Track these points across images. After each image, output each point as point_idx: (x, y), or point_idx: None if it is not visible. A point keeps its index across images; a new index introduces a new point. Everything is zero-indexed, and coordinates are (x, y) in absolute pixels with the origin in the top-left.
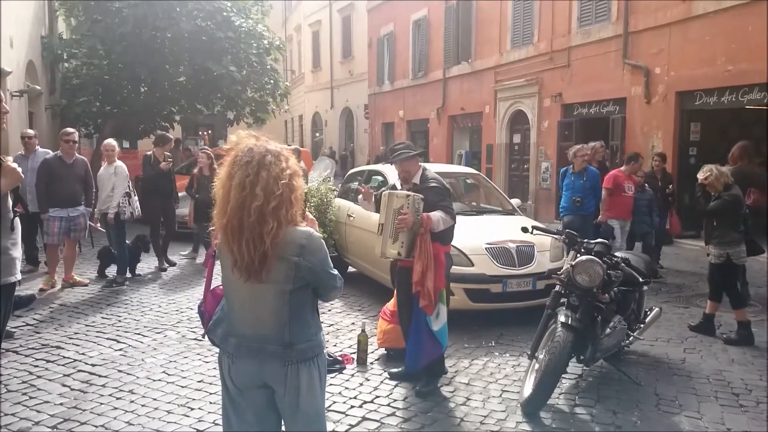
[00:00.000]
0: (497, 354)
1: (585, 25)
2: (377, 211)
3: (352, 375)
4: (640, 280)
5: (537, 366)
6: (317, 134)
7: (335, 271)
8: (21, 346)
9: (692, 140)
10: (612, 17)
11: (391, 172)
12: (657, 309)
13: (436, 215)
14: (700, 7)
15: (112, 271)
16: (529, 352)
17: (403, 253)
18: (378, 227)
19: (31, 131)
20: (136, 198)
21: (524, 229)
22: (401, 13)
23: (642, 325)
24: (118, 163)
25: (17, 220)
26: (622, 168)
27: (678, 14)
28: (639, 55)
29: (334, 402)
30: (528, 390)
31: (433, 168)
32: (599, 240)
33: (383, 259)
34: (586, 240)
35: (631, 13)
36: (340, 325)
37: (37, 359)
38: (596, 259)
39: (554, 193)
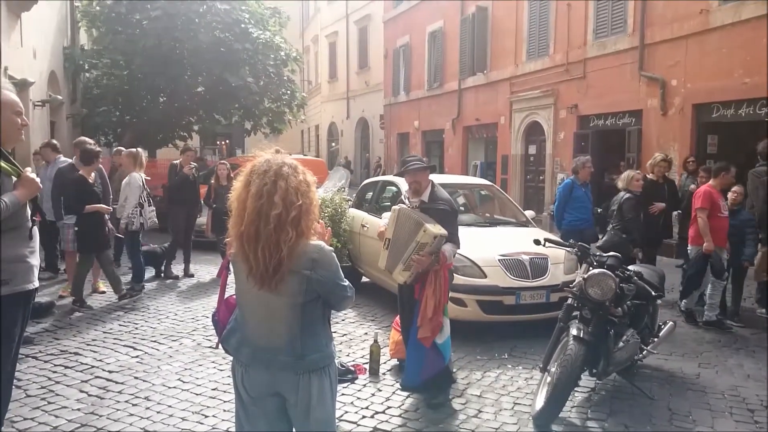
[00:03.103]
0: (510, 366)
1: (601, 36)
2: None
3: (365, 385)
4: (653, 293)
5: (549, 379)
6: (333, 144)
7: (346, 282)
8: (40, 351)
9: (710, 153)
10: (628, 29)
11: (404, 183)
12: (671, 323)
13: (449, 250)
14: (718, 19)
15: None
16: (542, 365)
17: (410, 281)
18: (384, 241)
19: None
20: (152, 209)
21: (536, 242)
22: (417, 24)
23: (656, 339)
24: (134, 174)
25: (35, 229)
26: (711, 182)
27: (695, 26)
28: (655, 67)
29: (346, 412)
30: (540, 403)
31: (447, 179)
32: (611, 253)
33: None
34: (598, 253)
35: (647, 25)
36: (353, 335)
37: (55, 365)
38: (608, 272)
39: None
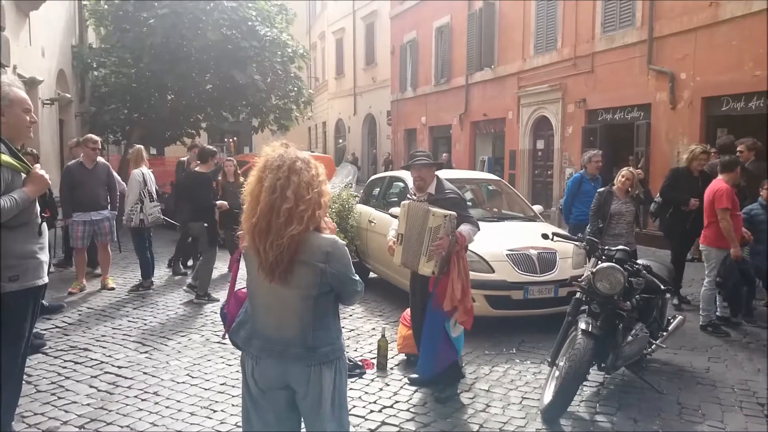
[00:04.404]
0: (518, 361)
1: (609, 30)
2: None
3: (372, 380)
4: (662, 287)
5: (557, 373)
6: (340, 141)
7: (357, 277)
8: (50, 348)
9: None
10: (636, 23)
11: (411, 178)
12: (681, 317)
13: (466, 230)
14: (728, 11)
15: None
16: (550, 360)
17: (437, 271)
18: (398, 236)
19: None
20: (154, 204)
21: (545, 236)
22: (424, 20)
23: (665, 333)
24: (135, 170)
25: (44, 225)
26: (725, 177)
27: (704, 19)
28: (664, 61)
29: (354, 406)
30: (548, 397)
31: (454, 174)
32: (620, 247)
33: (401, 267)
34: (607, 247)
35: (656, 18)
36: (361, 330)
37: (65, 361)
38: (617, 266)
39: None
